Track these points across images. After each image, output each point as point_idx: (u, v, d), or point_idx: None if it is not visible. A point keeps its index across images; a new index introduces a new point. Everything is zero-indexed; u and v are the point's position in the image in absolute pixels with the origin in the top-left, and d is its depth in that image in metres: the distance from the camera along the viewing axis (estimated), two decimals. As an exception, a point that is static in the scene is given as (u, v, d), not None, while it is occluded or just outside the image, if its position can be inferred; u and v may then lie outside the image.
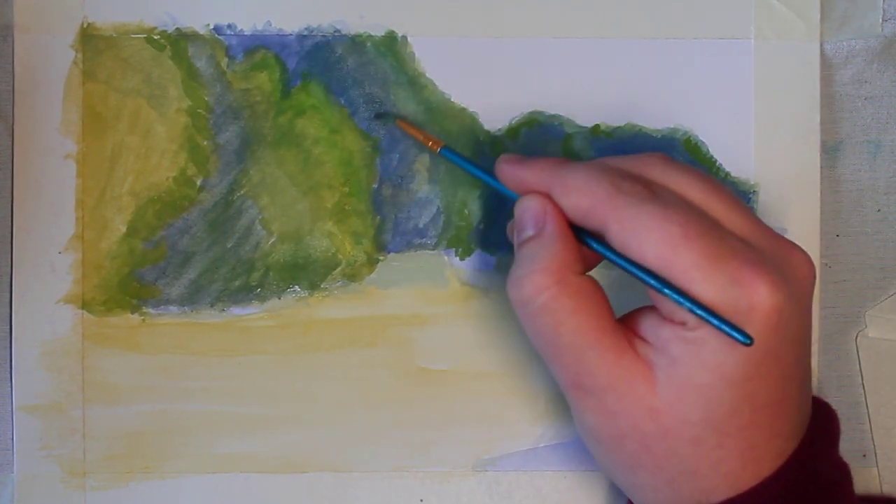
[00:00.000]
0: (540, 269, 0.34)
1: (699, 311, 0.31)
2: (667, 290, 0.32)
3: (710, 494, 0.34)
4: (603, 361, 0.33)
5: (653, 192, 0.33)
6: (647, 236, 0.32)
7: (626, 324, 0.35)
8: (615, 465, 0.35)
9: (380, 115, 0.42)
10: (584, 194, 0.34)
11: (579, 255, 0.34)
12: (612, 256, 0.33)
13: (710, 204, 0.34)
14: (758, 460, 0.33)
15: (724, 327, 0.31)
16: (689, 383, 0.32)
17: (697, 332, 0.32)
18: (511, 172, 0.36)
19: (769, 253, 0.33)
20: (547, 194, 0.35)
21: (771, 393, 0.33)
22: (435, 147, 0.39)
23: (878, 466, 0.43)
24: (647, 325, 0.34)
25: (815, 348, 0.42)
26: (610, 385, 0.33)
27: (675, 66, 0.42)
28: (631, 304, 0.36)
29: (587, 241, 0.34)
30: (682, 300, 0.32)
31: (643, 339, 0.34)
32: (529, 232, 0.35)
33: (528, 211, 0.35)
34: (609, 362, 0.33)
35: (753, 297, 0.32)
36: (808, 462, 0.35)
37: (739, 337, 0.31)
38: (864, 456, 0.43)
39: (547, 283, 0.33)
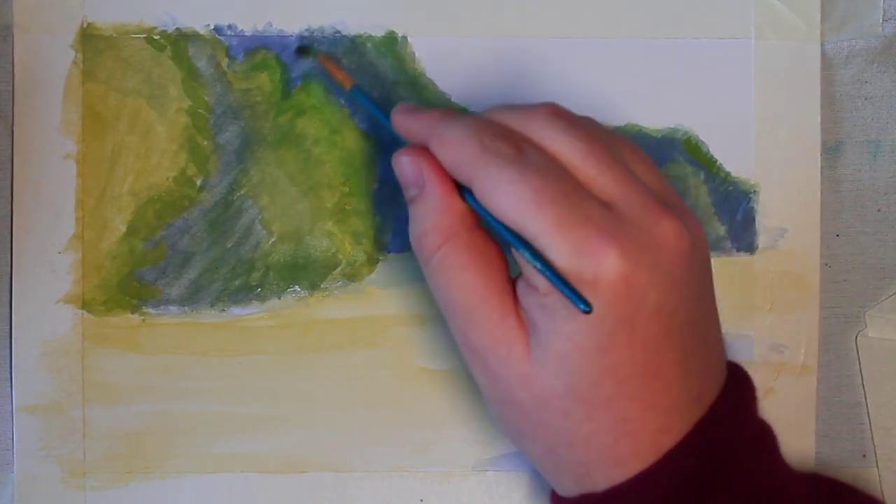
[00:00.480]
0: (430, 229, 0.34)
1: (544, 271, 0.32)
2: (519, 247, 0.32)
3: (590, 467, 0.33)
4: (487, 321, 0.33)
5: (519, 153, 0.33)
6: (502, 199, 0.32)
7: (514, 286, 0.34)
8: (506, 429, 0.35)
9: (302, 49, 0.41)
10: (453, 151, 0.33)
11: (468, 208, 0.34)
12: (481, 211, 0.33)
13: (580, 165, 0.33)
14: (633, 435, 0.32)
15: (565, 290, 0.31)
16: (551, 352, 0.32)
17: (548, 298, 0.32)
18: (402, 122, 0.36)
19: (631, 220, 0.32)
20: (424, 149, 0.35)
21: (635, 365, 0.32)
22: (346, 84, 0.39)
23: (878, 466, 0.43)
24: (519, 291, 0.34)
25: (814, 348, 0.42)
26: (492, 346, 0.33)
27: (675, 66, 0.42)
28: None
29: (462, 194, 0.34)
30: (529, 257, 0.32)
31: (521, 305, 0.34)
32: (413, 190, 0.35)
33: (404, 169, 0.35)
34: (492, 322, 0.33)
35: (599, 266, 0.31)
36: (713, 433, 0.33)
37: (578, 303, 0.31)
38: (864, 456, 0.43)
39: (438, 242, 0.34)
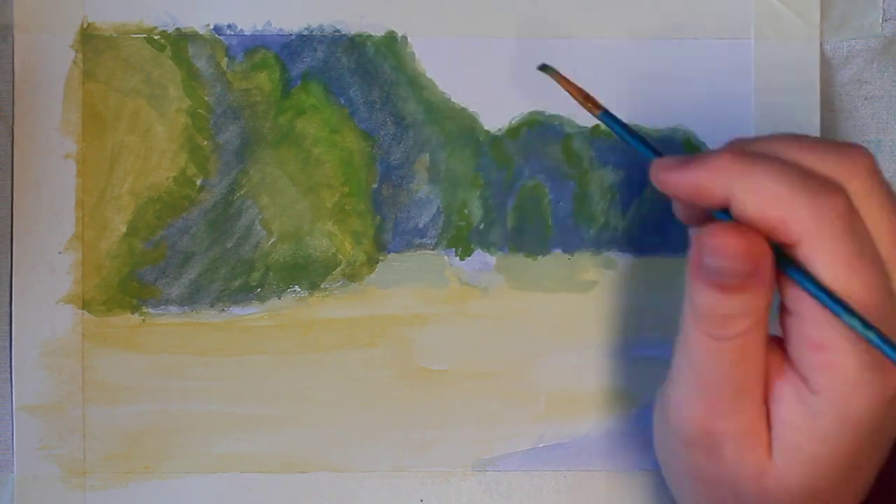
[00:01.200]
0: (748, 312, 0.29)
1: (873, 338, 0.28)
2: (859, 326, 0.28)
3: None
4: (746, 410, 0.30)
5: (853, 223, 0.29)
6: (831, 284, 0.29)
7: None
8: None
9: (543, 68, 0.37)
10: (776, 206, 0.28)
11: None
12: (811, 287, 0.29)
13: (892, 249, 0.30)
14: None
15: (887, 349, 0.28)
16: (798, 451, 0.30)
17: (818, 396, 0.29)
18: (679, 179, 0.30)
19: None
20: (755, 230, 0.29)
21: (870, 459, 0.31)
22: (595, 110, 0.35)
23: (878, 466, 0.43)
24: (769, 374, 0.31)
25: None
26: (738, 434, 0.30)
27: (675, 66, 0.42)
28: None
29: (788, 272, 0.30)
30: (881, 344, 0.28)
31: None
32: (738, 278, 0.29)
33: (744, 251, 0.29)
34: (750, 413, 0.30)
35: (888, 386, 0.29)
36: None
37: None
38: (864, 456, 0.43)
39: (750, 325, 0.30)
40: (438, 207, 0.42)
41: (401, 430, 0.42)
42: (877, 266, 0.29)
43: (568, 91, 0.35)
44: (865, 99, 0.43)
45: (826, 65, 0.43)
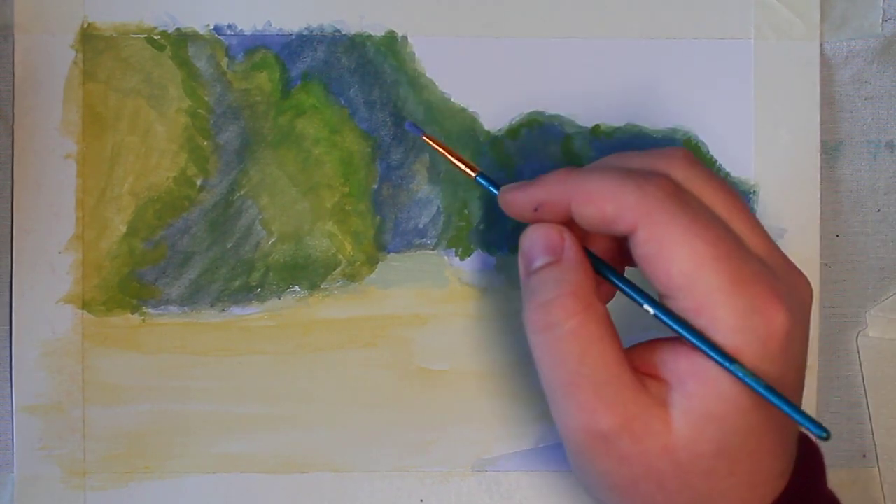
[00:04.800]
0: (568, 294, 0.32)
1: (773, 398, 0.31)
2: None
3: None
4: (620, 398, 0.32)
5: (682, 196, 0.32)
6: (676, 250, 0.31)
7: (634, 360, 0.34)
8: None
9: (411, 126, 0.40)
10: (608, 200, 0.32)
11: (597, 285, 0.34)
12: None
13: (732, 219, 0.33)
14: (765, 482, 0.33)
15: (798, 417, 0.31)
16: (706, 416, 0.32)
17: (713, 363, 0.32)
18: (522, 198, 0.34)
19: (782, 276, 0.33)
20: (556, 224, 0.34)
21: (777, 416, 0.33)
22: (471, 173, 0.37)
23: (878, 467, 0.43)
24: (662, 360, 0.33)
25: (814, 348, 0.42)
26: (626, 425, 0.32)
27: (675, 66, 0.42)
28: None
29: (607, 276, 0.33)
30: (750, 381, 0.31)
31: (653, 376, 0.33)
32: (544, 259, 0.34)
33: (541, 237, 0.34)
34: (626, 399, 0.32)
35: (772, 325, 0.31)
36: (807, 487, 0.34)
37: (815, 430, 0.31)
38: (865, 456, 0.43)
39: (576, 309, 0.32)
40: (438, 207, 0.42)
41: (401, 430, 0.42)
42: (717, 223, 0.32)
43: (441, 153, 0.38)
44: (865, 99, 0.43)
45: (826, 65, 0.43)
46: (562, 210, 0.34)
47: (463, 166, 0.38)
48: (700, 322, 0.32)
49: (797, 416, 0.31)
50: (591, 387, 0.32)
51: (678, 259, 0.31)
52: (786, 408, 0.31)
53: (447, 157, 0.38)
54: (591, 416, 0.32)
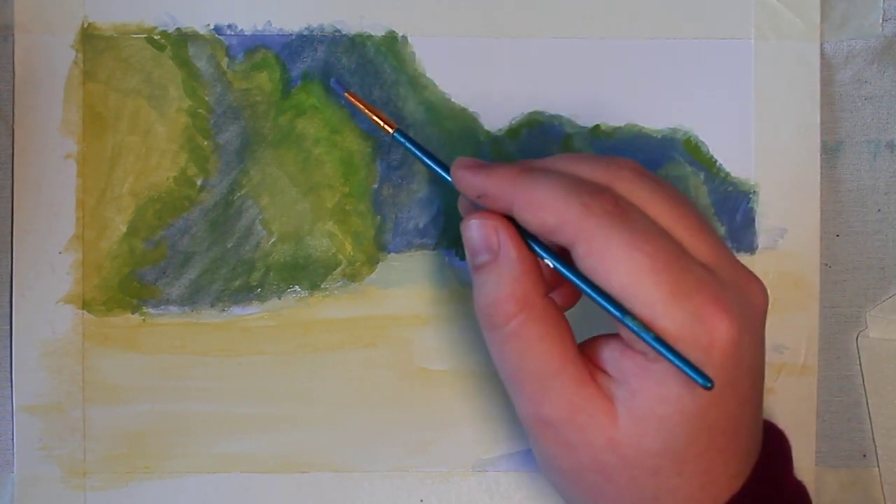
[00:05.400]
0: (505, 297, 0.33)
1: (660, 348, 0.31)
2: (629, 323, 0.31)
3: None
4: (565, 391, 0.33)
5: (623, 214, 0.32)
6: (614, 265, 0.31)
7: (586, 352, 0.34)
8: (576, 496, 0.35)
9: (335, 84, 0.41)
10: (550, 213, 0.32)
11: (541, 276, 0.34)
12: (578, 281, 0.33)
13: (676, 227, 0.33)
14: (715, 483, 0.33)
15: (685, 368, 0.31)
16: (649, 415, 0.32)
17: (658, 364, 0.32)
18: (470, 180, 0.35)
19: (729, 282, 0.33)
20: (496, 214, 0.34)
21: (728, 420, 0.33)
22: (388, 129, 0.38)
23: (878, 467, 0.43)
24: (609, 356, 0.33)
25: (814, 348, 0.42)
26: (571, 416, 0.33)
27: (675, 66, 0.42)
28: (592, 328, 0.35)
29: (555, 265, 0.34)
30: (644, 335, 0.31)
31: (603, 370, 0.34)
32: (484, 256, 0.34)
33: (477, 235, 0.34)
34: (571, 392, 0.33)
35: (714, 333, 0.31)
36: (766, 482, 0.35)
37: (699, 379, 0.31)
38: (865, 456, 0.43)
39: (513, 311, 0.33)
40: (438, 207, 0.42)
41: (401, 431, 0.42)
42: (657, 236, 0.32)
43: (362, 110, 0.39)
44: (865, 99, 0.43)
45: (826, 65, 0.43)
46: (504, 206, 0.34)
47: (382, 123, 0.38)
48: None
49: (682, 366, 0.31)
50: (536, 381, 0.33)
51: (617, 273, 0.31)
52: (672, 357, 0.31)
53: (369, 115, 0.38)
54: (538, 407, 0.34)
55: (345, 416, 0.42)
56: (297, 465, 0.42)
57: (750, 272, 0.34)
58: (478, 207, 0.35)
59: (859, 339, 0.43)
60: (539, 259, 0.34)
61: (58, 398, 0.41)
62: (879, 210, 0.43)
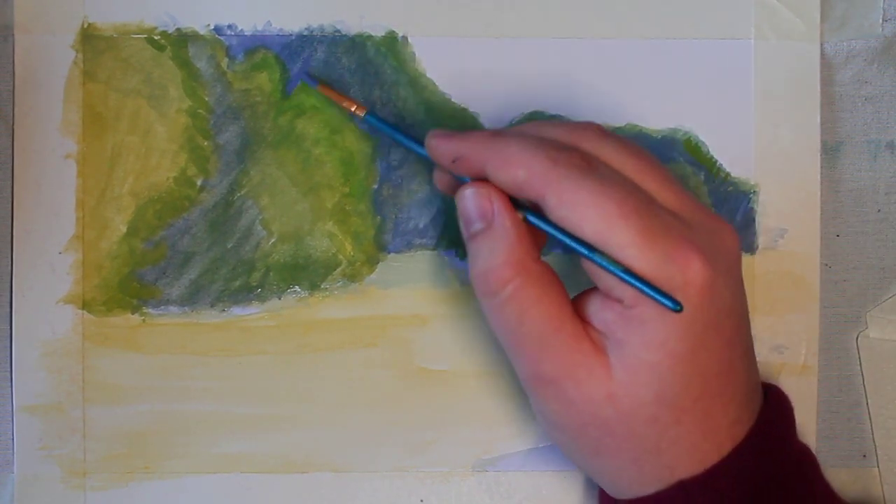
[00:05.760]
0: (501, 263, 0.34)
1: (628, 277, 0.32)
2: (597, 259, 0.32)
3: (675, 470, 0.34)
4: (563, 348, 0.34)
5: (590, 165, 0.33)
6: (585, 212, 0.32)
7: (577, 310, 0.35)
8: (579, 451, 0.36)
9: (306, 77, 0.42)
10: (520, 167, 0.34)
11: (533, 240, 0.35)
12: (551, 230, 0.34)
13: (643, 179, 0.34)
14: (716, 429, 0.34)
15: (652, 293, 0.32)
16: (640, 364, 0.33)
17: (636, 310, 0.33)
18: (445, 147, 0.36)
19: (698, 227, 0.34)
20: (487, 182, 0.35)
21: (719, 363, 0.34)
22: (359, 112, 0.39)
23: (878, 467, 0.43)
24: (593, 310, 0.34)
25: (814, 348, 0.42)
26: (569, 372, 0.34)
27: (675, 66, 0.42)
28: (580, 285, 0.36)
29: (528, 218, 0.35)
30: (611, 267, 0.32)
31: (592, 325, 0.34)
32: (479, 225, 0.35)
33: (472, 203, 0.35)
34: (569, 349, 0.34)
35: (687, 273, 0.32)
36: (768, 435, 0.35)
37: (668, 303, 0.32)
38: (865, 456, 0.43)
39: (510, 276, 0.34)
40: (438, 207, 0.42)
41: (401, 431, 0.42)
42: (624, 184, 0.33)
43: (332, 98, 0.41)
44: (866, 99, 0.43)
45: (826, 65, 0.43)
46: (478, 167, 0.35)
47: (353, 108, 0.40)
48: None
49: (651, 292, 0.32)
50: (535, 341, 0.34)
51: (588, 220, 0.32)
52: (640, 285, 0.32)
53: (340, 104, 0.40)
54: (537, 365, 0.34)
55: (345, 416, 0.42)
56: (297, 465, 0.42)
57: (718, 217, 0.35)
58: (457, 180, 0.36)
59: (859, 339, 0.43)
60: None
61: (58, 398, 0.41)
62: (879, 210, 0.43)
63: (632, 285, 0.32)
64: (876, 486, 0.43)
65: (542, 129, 0.35)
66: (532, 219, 0.35)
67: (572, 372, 0.34)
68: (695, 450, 0.34)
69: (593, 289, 0.35)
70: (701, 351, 0.33)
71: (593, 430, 0.34)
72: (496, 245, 0.34)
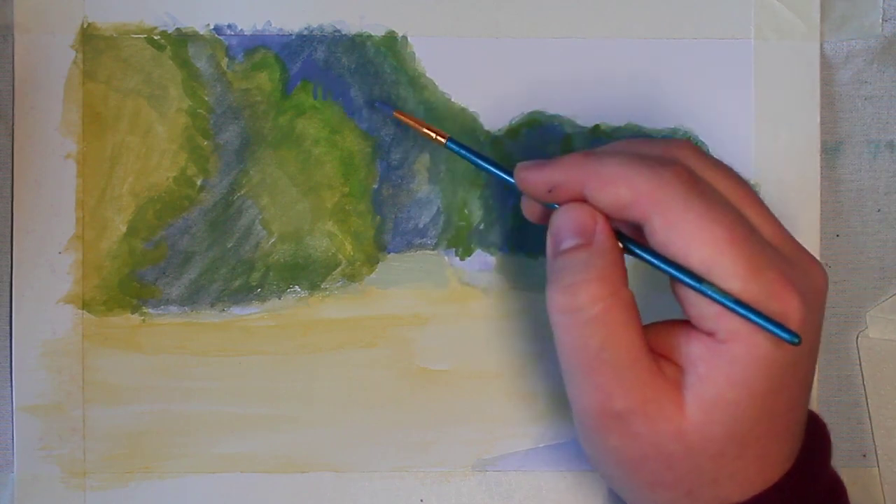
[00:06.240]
0: (596, 279, 0.32)
1: (741, 310, 0.31)
2: (706, 289, 0.31)
3: (725, 500, 0.33)
4: (638, 382, 0.32)
5: (697, 184, 0.32)
6: (694, 236, 0.31)
7: (649, 342, 0.34)
8: (634, 485, 0.34)
9: (381, 105, 0.41)
10: (623, 185, 0.32)
11: (625, 269, 0.33)
12: (649, 257, 0.32)
13: (742, 205, 0.33)
14: (771, 466, 0.33)
15: (769, 326, 0.31)
16: (718, 401, 0.32)
17: (727, 345, 0.31)
18: (537, 178, 0.34)
19: (796, 263, 0.33)
20: (587, 203, 0.33)
21: (789, 401, 0.33)
22: (441, 139, 0.38)
23: (878, 466, 0.43)
24: (674, 342, 0.33)
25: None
26: (640, 407, 0.32)
27: (675, 66, 0.42)
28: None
29: (627, 246, 0.33)
30: (723, 299, 0.31)
31: (667, 358, 0.33)
32: (573, 241, 0.33)
33: (570, 218, 0.33)
34: (643, 383, 0.32)
35: (787, 312, 0.31)
36: (811, 465, 0.35)
37: (786, 336, 0.31)
38: (865, 456, 0.43)
39: (603, 294, 0.32)
40: (438, 207, 0.42)
41: (401, 430, 0.42)
42: (732, 210, 0.32)
43: (412, 126, 0.40)
44: (865, 99, 0.43)
45: (826, 65, 0.43)
46: (576, 193, 0.33)
47: (433, 135, 0.39)
48: (716, 307, 0.32)
49: (768, 325, 0.31)
50: (611, 370, 0.32)
51: (696, 245, 0.31)
52: (757, 318, 0.31)
53: (420, 131, 0.39)
54: (608, 398, 0.33)
55: (345, 416, 0.42)
56: (297, 465, 0.42)
57: (811, 254, 0.34)
58: (547, 206, 0.35)
59: (859, 339, 0.43)
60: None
61: (58, 398, 0.41)
62: (879, 210, 0.43)
63: (745, 317, 0.31)
64: (876, 486, 0.43)
65: (635, 146, 0.34)
66: (631, 245, 0.33)
67: (644, 407, 0.32)
68: (748, 482, 0.33)
69: (671, 321, 0.34)
70: (779, 391, 0.32)
71: (654, 464, 0.33)
72: (593, 261, 0.32)
